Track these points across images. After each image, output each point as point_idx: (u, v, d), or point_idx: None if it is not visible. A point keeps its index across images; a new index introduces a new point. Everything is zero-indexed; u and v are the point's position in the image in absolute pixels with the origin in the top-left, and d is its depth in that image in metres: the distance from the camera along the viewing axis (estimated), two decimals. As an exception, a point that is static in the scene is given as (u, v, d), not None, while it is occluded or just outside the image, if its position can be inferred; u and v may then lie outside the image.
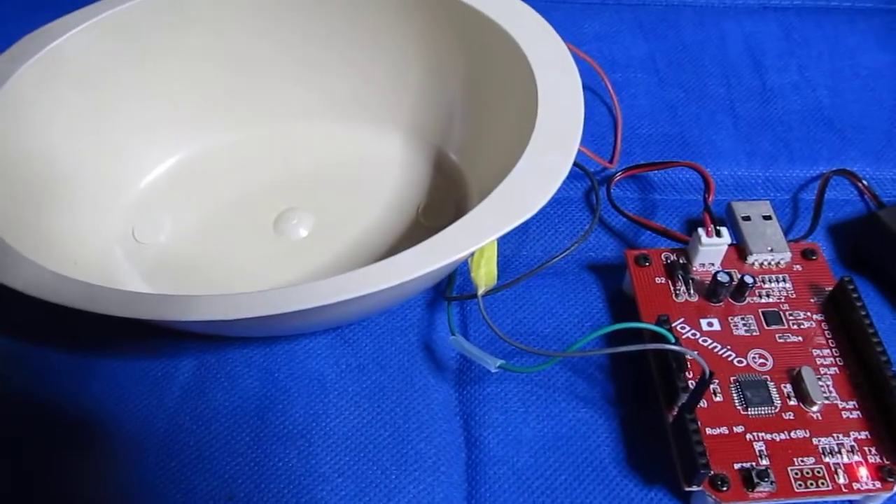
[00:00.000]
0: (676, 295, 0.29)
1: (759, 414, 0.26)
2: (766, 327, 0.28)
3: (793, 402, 0.26)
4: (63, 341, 0.29)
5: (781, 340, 0.28)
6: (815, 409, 0.26)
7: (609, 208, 0.33)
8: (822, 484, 0.24)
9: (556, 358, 0.27)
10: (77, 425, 0.27)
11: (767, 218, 0.31)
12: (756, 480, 0.24)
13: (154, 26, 0.32)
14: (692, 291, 0.29)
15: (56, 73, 0.30)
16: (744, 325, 0.28)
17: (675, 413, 0.26)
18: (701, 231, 0.29)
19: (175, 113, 0.34)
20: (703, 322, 0.28)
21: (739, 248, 0.30)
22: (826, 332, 0.28)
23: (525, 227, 0.33)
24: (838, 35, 0.40)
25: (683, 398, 0.25)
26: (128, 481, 0.26)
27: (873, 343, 0.26)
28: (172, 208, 0.33)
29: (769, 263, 0.30)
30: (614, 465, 0.26)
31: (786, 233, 0.30)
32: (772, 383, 0.26)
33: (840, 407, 0.26)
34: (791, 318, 0.28)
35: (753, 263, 0.30)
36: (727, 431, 0.25)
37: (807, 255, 0.30)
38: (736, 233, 0.30)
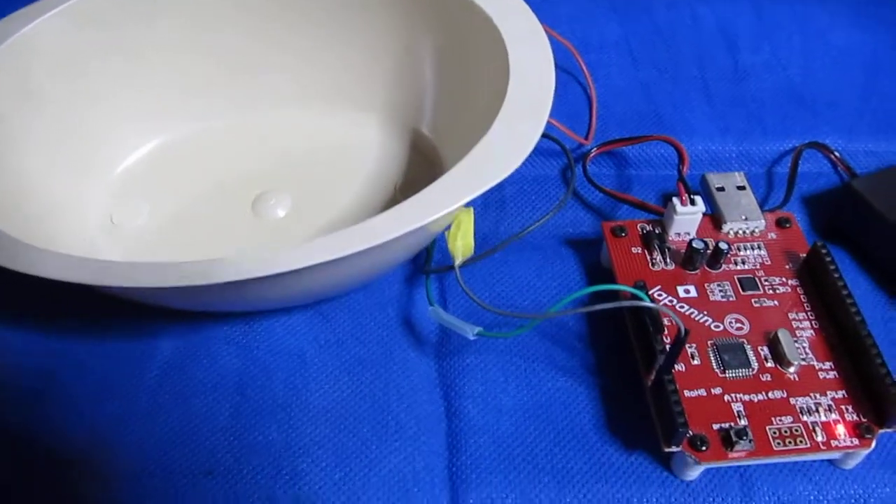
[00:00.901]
0: (653, 264, 0.29)
1: (736, 376, 0.26)
2: (743, 293, 0.28)
3: (770, 365, 0.26)
4: (42, 321, 0.29)
5: (758, 305, 0.28)
6: (791, 370, 0.26)
7: (585, 184, 0.33)
8: (801, 442, 0.24)
9: (534, 321, 0.27)
10: (55, 405, 0.27)
11: (741, 188, 0.31)
12: (735, 439, 0.24)
13: (128, 14, 0.32)
14: (668, 260, 0.29)
15: (27, 60, 0.30)
16: (720, 291, 0.28)
17: (653, 377, 0.26)
18: (676, 200, 0.29)
19: (150, 100, 0.34)
20: (680, 289, 0.28)
21: (714, 218, 0.30)
22: (801, 296, 0.28)
23: (502, 203, 0.33)
24: (809, 16, 0.41)
25: (661, 360, 0.25)
26: (109, 459, 0.26)
27: (847, 304, 0.26)
28: (150, 193, 0.33)
29: (744, 232, 0.30)
30: (595, 431, 0.26)
31: (761, 205, 0.31)
32: (749, 346, 0.27)
33: (816, 368, 0.26)
34: (766, 283, 0.28)
35: (728, 232, 0.30)
36: (705, 393, 0.25)
37: (781, 223, 0.30)
38: (711, 203, 0.31)
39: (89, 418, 0.27)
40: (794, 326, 0.27)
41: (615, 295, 0.28)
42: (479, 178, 0.23)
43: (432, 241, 0.30)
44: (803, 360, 0.26)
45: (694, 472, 0.25)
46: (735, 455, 0.24)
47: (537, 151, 0.31)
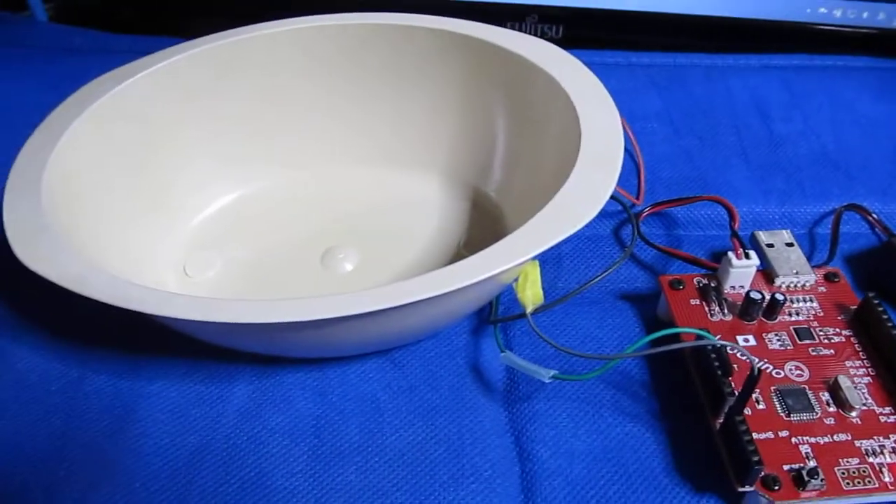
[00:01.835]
0: (711, 314, 0.30)
1: (801, 420, 0.27)
2: (799, 342, 0.29)
3: (832, 409, 0.27)
4: (120, 364, 0.30)
5: (815, 354, 0.29)
6: (854, 413, 0.27)
7: (638, 242, 0.35)
8: (869, 482, 0.25)
9: (610, 362, 0.28)
10: (133, 446, 0.28)
11: (790, 245, 0.32)
12: (807, 479, 0.25)
13: (207, 75, 0.35)
14: (726, 311, 0.30)
15: (116, 114, 0.32)
16: (778, 340, 0.30)
17: (721, 419, 0.27)
18: (731, 254, 0.31)
19: (226, 159, 0.36)
20: (740, 339, 0.30)
21: (766, 273, 0.32)
22: (856, 345, 0.29)
23: (559, 260, 0.35)
24: (836, 89, 0.43)
25: (730, 402, 0.26)
26: (184, 498, 0.26)
27: (903, 351, 0.28)
28: (222, 246, 0.34)
29: (795, 285, 0.31)
30: (665, 474, 0.27)
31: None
32: (810, 392, 0.28)
33: (877, 412, 0.27)
34: (821, 333, 0.30)
35: (780, 286, 0.31)
36: (773, 436, 0.26)
37: (829, 277, 0.32)
38: (762, 259, 0.32)
39: (166, 449, 0.28)
40: (852, 374, 0.28)
41: (678, 340, 0.29)
42: (562, 223, 0.25)
43: (497, 295, 0.31)
44: (864, 405, 0.27)
45: (765, 513, 0.26)
46: (807, 495, 0.25)
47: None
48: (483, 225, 0.34)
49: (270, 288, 0.33)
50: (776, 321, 0.30)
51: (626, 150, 0.39)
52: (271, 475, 0.27)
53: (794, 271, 0.31)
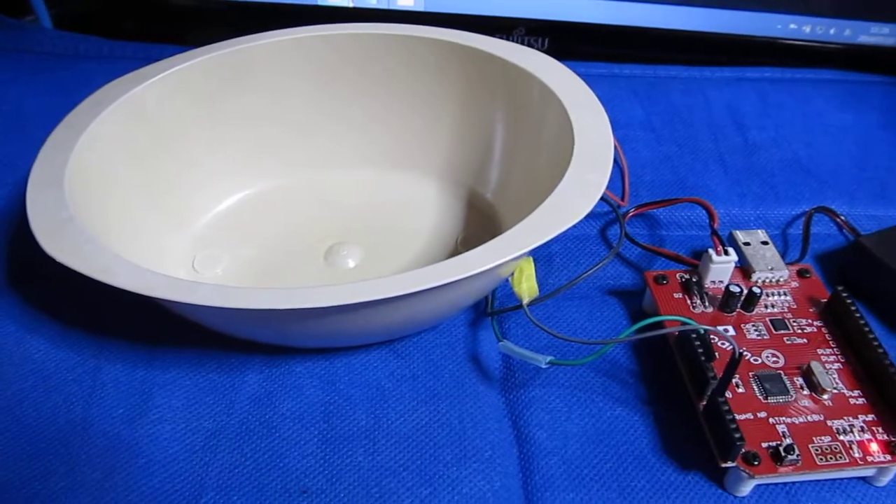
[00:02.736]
0: (693, 307, 0.33)
1: (778, 402, 0.29)
2: (775, 332, 0.32)
3: (806, 392, 0.29)
4: (135, 355, 0.32)
5: (789, 342, 0.31)
6: (826, 396, 0.29)
7: (624, 241, 0.37)
8: (840, 458, 0.27)
9: (605, 347, 0.30)
10: (151, 431, 0.29)
11: (765, 243, 0.35)
12: (783, 455, 0.27)
13: (216, 80, 0.36)
14: (707, 304, 0.33)
15: (131, 117, 0.34)
16: (755, 330, 0.32)
17: (704, 402, 0.29)
18: (711, 251, 0.33)
19: (235, 160, 0.37)
20: (720, 328, 0.32)
21: (743, 269, 0.34)
22: (827, 335, 0.32)
23: (550, 260, 0.37)
24: (806, 100, 0.46)
25: (713, 385, 0.28)
26: (202, 479, 0.28)
27: (870, 339, 0.30)
28: (229, 243, 0.36)
29: (770, 280, 0.34)
30: (653, 453, 0.29)
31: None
32: (786, 377, 0.30)
33: (847, 395, 0.29)
34: (795, 324, 0.32)
35: (757, 280, 0.34)
36: (752, 417, 0.28)
37: (802, 273, 0.34)
38: (739, 256, 0.34)
39: (182, 434, 0.29)
40: (824, 360, 0.31)
41: (664, 336, 0.31)
42: (560, 218, 0.27)
43: (494, 289, 0.33)
44: (835, 388, 0.30)
45: (746, 488, 0.28)
46: (784, 469, 0.27)
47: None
48: (479, 224, 0.36)
49: (276, 283, 0.34)
50: (753, 313, 0.32)
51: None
52: (285, 457, 0.29)
53: (770, 267, 0.34)
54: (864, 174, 0.41)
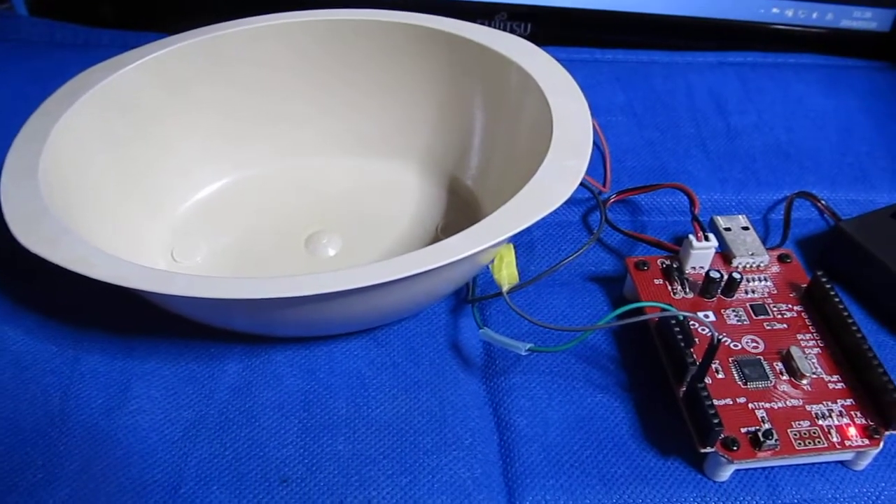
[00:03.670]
0: (674, 293, 0.33)
1: (757, 387, 0.29)
2: (755, 317, 0.32)
3: (785, 377, 0.29)
4: (113, 345, 0.32)
5: (769, 328, 0.31)
6: (805, 381, 0.29)
7: (605, 228, 0.37)
8: (819, 442, 0.27)
9: (585, 334, 0.31)
10: (129, 422, 0.29)
11: (746, 229, 0.35)
12: (762, 440, 0.27)
13: (194, 67, 0.36)
14: (687, 289, 0.33)
15: (106, 105, 0.34)
16: (735, 316, 0.32)
17: (684, 387, 0.29)
18: (692, 237, 0.33)
19: (213, 148, 0.37)
20: (700, 315, 0.32)
21: (724, 255, 0.34)
22: (806, 320, 0.32)
23: (531, 247, 0.37)
24: (788, 84, 0.46)
25: (692, 371, 0.28)
26: (181, 469, 0.28)
27: (849, 324, 0.30)
28: (208, 232, 0.36)
29: (751, 266, 0.34)
30: (633, 439, 0.29)
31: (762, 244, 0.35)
32: (765, 362, 0.30)
33: (826, 380, 0.30)
34: (775, 309, 0.32)
35: (738, 266, 0.34)
36: (732, 402, 0.29)
37: (782, 258, 0.34)
38: (720, 242, 0.34)
39: (161, 424, 0.29)
40: (803, 345, 0.31)
41: (645, 320, 0.31)
42: (539, 204, 0.27)
43: (474, 276, 0.33)
44: (814, 373, 0.30)
45: (726, 473, 0.28)
46: (763, 454, 0.27)
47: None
48: (459, 211, 0.36)
49: (257, 272, 0.34)
50: (734, 298, 0.32)
51: (593, 140, 0.41)
52: (265, 446, 0.29)
53: (750, 253, 0.34)
54: (845, 159, 0.42)
